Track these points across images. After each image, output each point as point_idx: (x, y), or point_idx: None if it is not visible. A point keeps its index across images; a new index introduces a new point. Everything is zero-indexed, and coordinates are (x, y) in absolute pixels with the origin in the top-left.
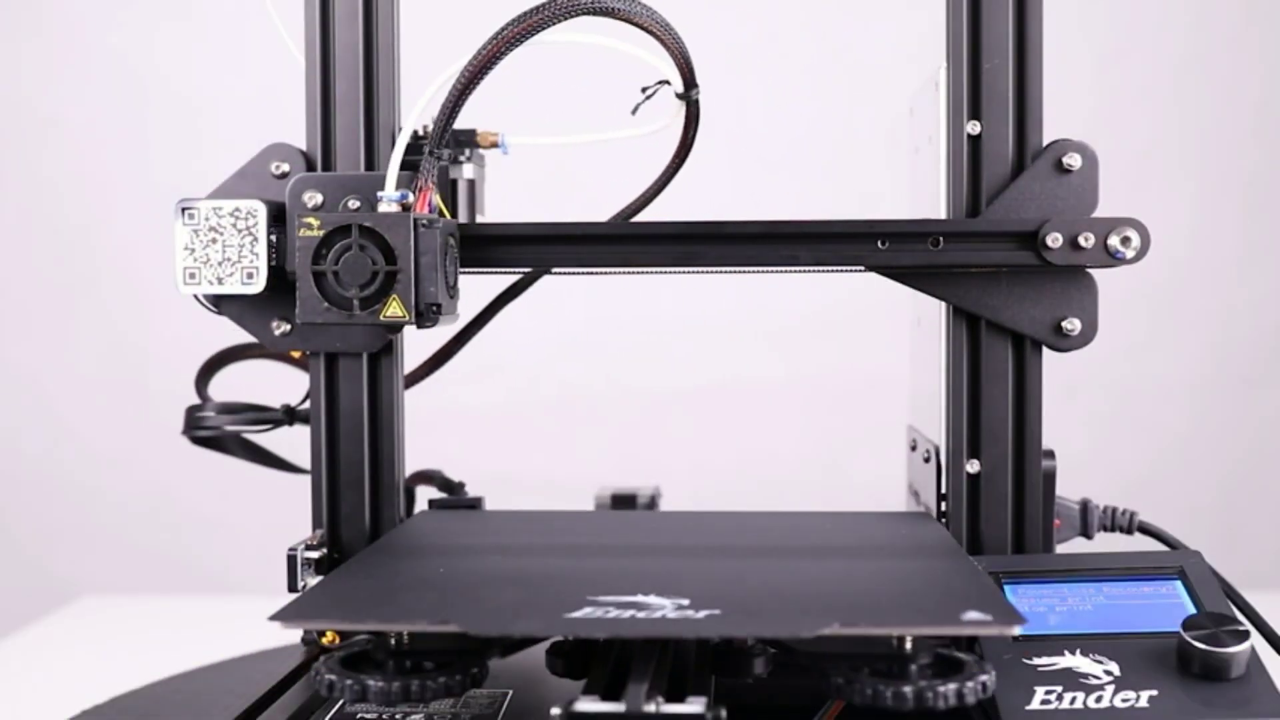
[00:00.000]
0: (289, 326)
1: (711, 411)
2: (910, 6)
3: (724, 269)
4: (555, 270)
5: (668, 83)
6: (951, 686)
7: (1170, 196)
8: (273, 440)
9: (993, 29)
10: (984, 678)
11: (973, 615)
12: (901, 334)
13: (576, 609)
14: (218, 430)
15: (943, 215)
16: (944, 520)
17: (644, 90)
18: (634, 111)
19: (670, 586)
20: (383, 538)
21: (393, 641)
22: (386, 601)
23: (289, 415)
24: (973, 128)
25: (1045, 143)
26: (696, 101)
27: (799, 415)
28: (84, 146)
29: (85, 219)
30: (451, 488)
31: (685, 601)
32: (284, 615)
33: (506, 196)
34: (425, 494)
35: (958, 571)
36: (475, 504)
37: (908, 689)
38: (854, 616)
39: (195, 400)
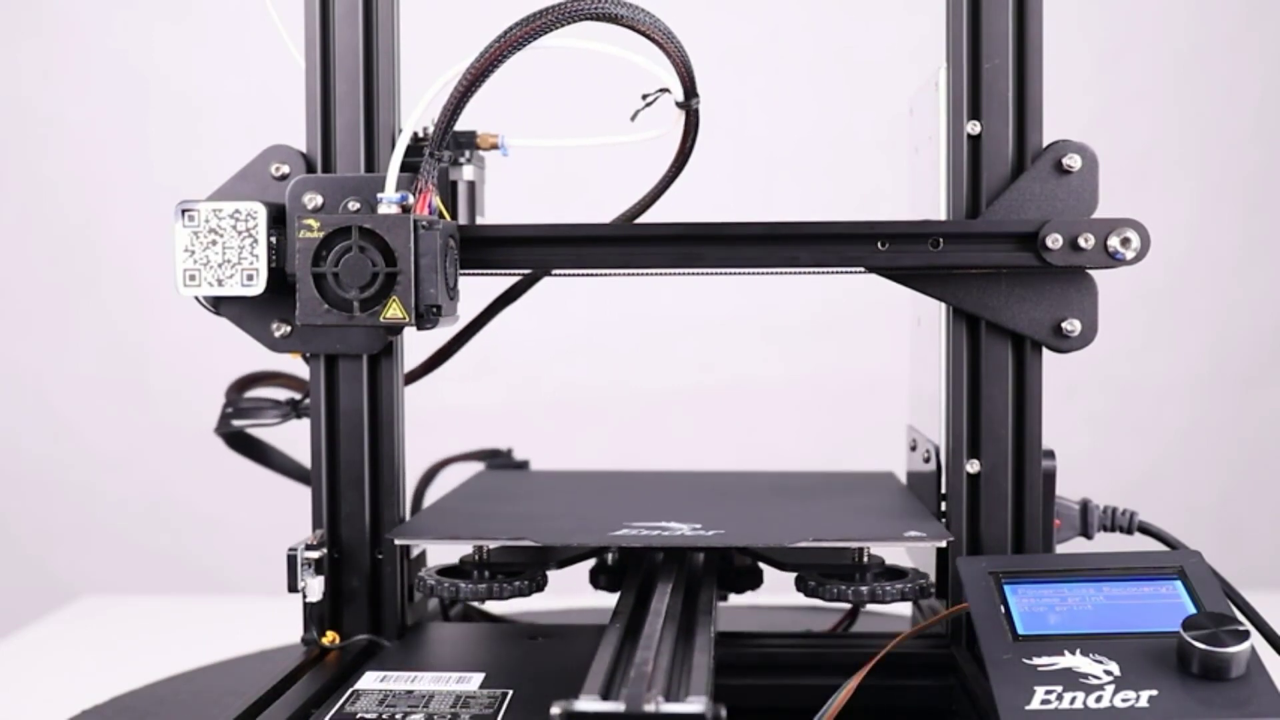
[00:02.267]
0: (289, 328)
1: (711, 411)
2: (910, 8)
3: (725, 270)
4: (555, 272)
5: (668, 91)
6: (897, 586)
7: (1170, 196)
8: (275, 439)
9: (993, 29)
10: (923, 580)
11: (912, 533)
12: (901, 334)
13: (616, 530)
14: (242, 424)
15: (943, 215)
16: (944, 520)
17: (644, 97)
18: (633, 118)
19: (686, 516)
20: (451, 491)
21: (477, 557)
22: (472, 526)
23: (293, 407)
24: (973, 128)
25: (1045, 143)
26: (696, 110)
27: (799, 415)
28: (84, 146)
29: (85, 219)
30: (499, 454)
31: (698, 525)
32: (398, 533)
33: (507, 198)
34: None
35: (905, 507)
36: (524, 465)
37: (864, 588)
38: (824, 533)
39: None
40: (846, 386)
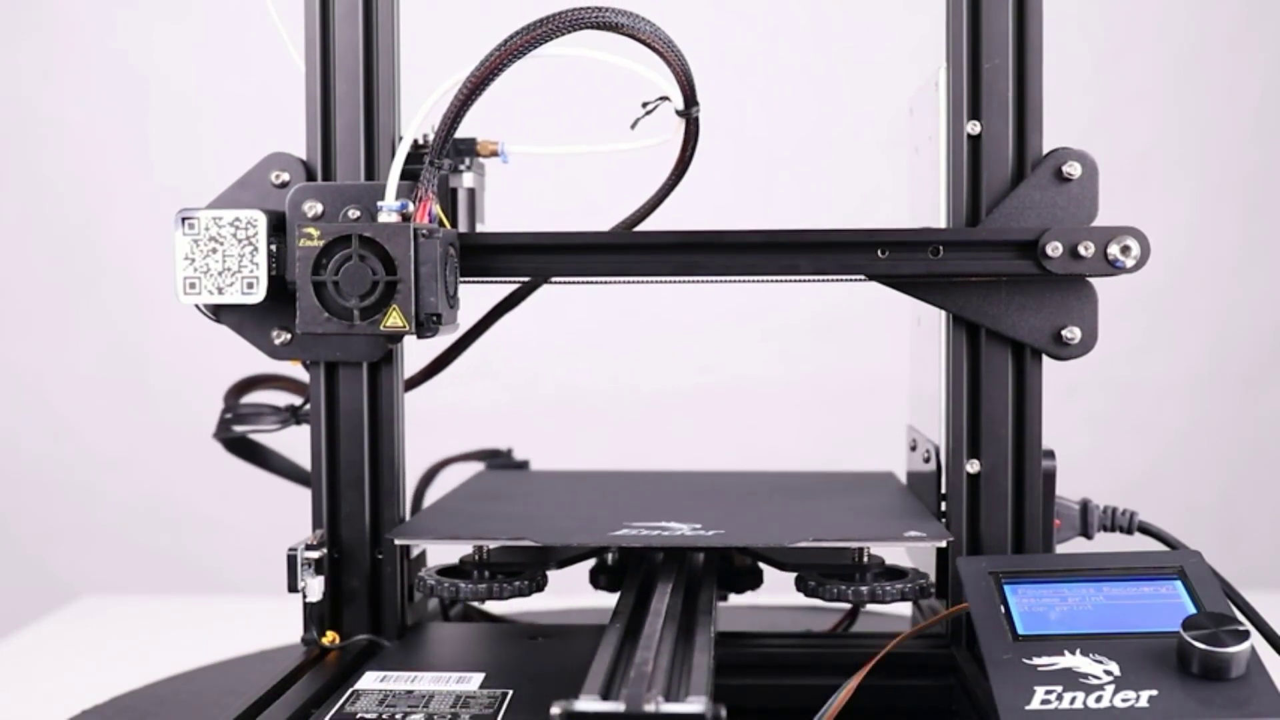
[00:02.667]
0: (289, 336)
1: (712, 411)
2: (910, 8)
3: (724, 278)
4: (554, 280)
5: (668, 99)
6: (897, 586)
7: (1170, 197)
8: (276, 440)
9: (993, 29)
10: (923, 580)
11: (912, 533)
12: (901, 334)
13: (616, 530)
14: (243, 430)
15: (942, 219)
16: (944, 520)
17: (644, 105)
18: (633, 126)
19: (686, 516)
20: (451, 491)
21: (477, 557)
22: (472, 526)
23: (292, 413)
24: (973, 128)
25: (1045, 144)
26: (696, 119)
27: (799, 416)
28: (84, 146)
29: (85, 219)
30: (499, 454)
31: (698, 525)
32: (398, 533)
33: (507, 205)
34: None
35: (905, 507)
36: (524, 465)
37: (864, 588)
38: (824, 533)
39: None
40: (846, 387)
